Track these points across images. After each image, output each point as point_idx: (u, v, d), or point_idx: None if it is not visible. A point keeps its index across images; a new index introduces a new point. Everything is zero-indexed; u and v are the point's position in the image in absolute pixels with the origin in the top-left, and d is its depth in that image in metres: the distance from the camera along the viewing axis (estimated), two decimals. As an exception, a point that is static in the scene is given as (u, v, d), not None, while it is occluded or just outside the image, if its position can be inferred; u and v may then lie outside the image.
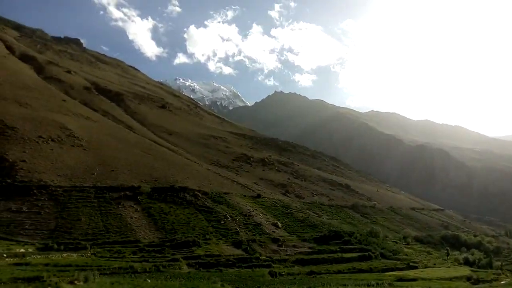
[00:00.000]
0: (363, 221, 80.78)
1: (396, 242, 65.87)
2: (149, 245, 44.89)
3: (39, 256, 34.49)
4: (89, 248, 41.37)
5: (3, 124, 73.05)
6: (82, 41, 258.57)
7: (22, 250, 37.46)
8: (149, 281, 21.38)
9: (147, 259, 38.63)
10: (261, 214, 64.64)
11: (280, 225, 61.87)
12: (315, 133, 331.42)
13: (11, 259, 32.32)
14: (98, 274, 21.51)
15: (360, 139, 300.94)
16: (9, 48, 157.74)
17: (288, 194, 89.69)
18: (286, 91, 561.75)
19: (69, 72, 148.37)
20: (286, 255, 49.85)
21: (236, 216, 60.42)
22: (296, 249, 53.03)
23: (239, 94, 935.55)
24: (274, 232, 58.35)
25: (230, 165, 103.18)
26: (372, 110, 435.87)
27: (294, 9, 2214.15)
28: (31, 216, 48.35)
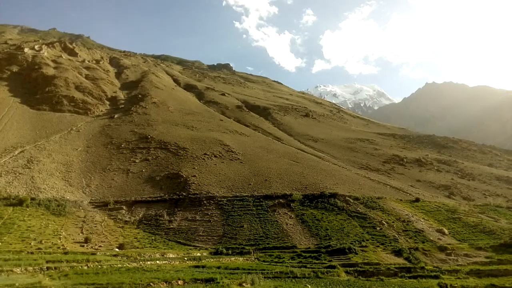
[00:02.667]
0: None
1: None
2: (306, 251, 45.89)
3: (212, 260, 39.06)
4: (252, 252, 44.83)
5: (176, 146, 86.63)
6: (231, 65, 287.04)
7: (198, 254, 43.20)
8: (309, 286, 21.83)
9: (305, 265, 39.51)
10: (422, 220, 59.01)
11: (446, 231, 55.18)
12: (481, 124, 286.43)
13: (191, 262, 37.50)
14: (263, 278, 23.07)
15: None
16: (176, 81, 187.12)
17: (453, 197, 79.58)
18: (439, 82, 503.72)
19: (223, 94, 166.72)
20: (457, 265, 43.99)
21: (393, 222, 56.69)
22: (469, 258, 46.27)
23: (384, 92, 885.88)
24: (439, 239, 52.36)
25: (381, 168, 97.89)
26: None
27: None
28: (203, 224, 55.51)
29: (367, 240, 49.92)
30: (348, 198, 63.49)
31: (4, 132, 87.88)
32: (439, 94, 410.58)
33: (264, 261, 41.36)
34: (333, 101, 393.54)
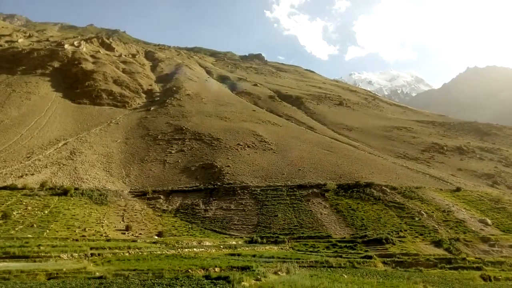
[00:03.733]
0: None
1: None
2: (341, 240, 45.47)
3: (247, 248, 39.56)
4: (287, 242, 44.99)
5: (210, 137, 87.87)
6: (263, 54, 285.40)
7: (233, 242, 43.89)
8: (345, 276, 21.60)
9: (341, 255, 39.16)
10: (463, 210, 56.68)
11: (489, 222, 52.71)
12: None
13: (226, 250, 38.18)
14: (298, 267, 23.12)
15: None
16: (208, 72, 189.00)
17: (497, 186, 75.81)
18: (481, 66, 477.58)
19: (255, 85, 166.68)
20: (501, 256, 42.07)
21: (432, 212, 54.84)
22: (515, 250, 44.06)
23: (422, 78, 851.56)
24: (482, 230, 50.12)
25: (419, 156, 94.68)
26: None
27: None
28: (238, 213, 56.22)
29: (405, 230, 48.66)
30: (385, 188, 62.01)
31: (48, 125, 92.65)
32: (481, 79, 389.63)
33: (298, 250, 41.39)
34: (368, 89, 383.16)
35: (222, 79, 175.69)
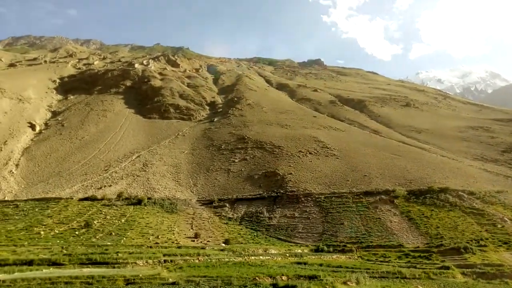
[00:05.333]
0: None
1: None
2: (414, 250, 42.88)
3: (313, 257, 38.93)
4: (354, 251, 43.50)
5: (272, 145, 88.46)
6: (322, 59, 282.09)
7: (299, 250, 43.45)
8: (420, 288, 20.33)
9: (414, 265, 36.89)
10: (557, 216, 50.50)
11: None
12: None
13: (292, 258, 37.89)
14: (368, 277, 22.23)
15: None
16: (268, 81, 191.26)
17: None
18: None
19: (315, 90, 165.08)
20: None
21: (518, 219, 49.62)
22: None
23: (498, 73, 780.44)
24: None
25: (499, 158, 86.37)
26: None
27: None
28: (302, 221, 55.68)
29: (486, 239, 44.51)
30: (462, 193, 57.48)
31: (122, 140, 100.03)
32: None
33: (368, 260, 39.78)
34: (438, 87, 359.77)
35: (282, 87, 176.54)
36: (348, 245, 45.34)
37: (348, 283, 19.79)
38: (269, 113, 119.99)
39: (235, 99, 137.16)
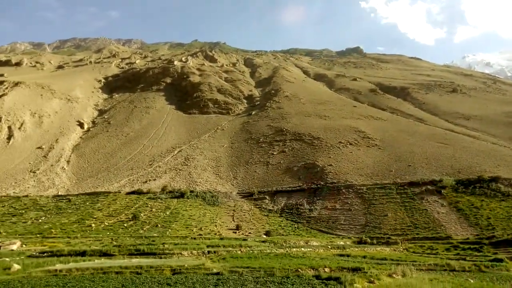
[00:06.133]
0: None
1: None
2: (463, 242, 40.94)
3: (356, 249, 38.23)
4: (399, 243, 42.24)
5: (311, 136, 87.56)
6: (361, 47, 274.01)
7: (341, 242, 42.87)
8: (471, 281, 19.30)
9: (464, 257, 35.21)
10: None
11: None
12: None
13: (334, 250, 37.44)
14: (414, 270, 21.49)
15: None
16: (305, 72, 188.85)
17: None
18: None
19: (354, 79, 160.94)
20: None
21: None
22: None
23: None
24: None
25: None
26: None
27: None
28: (344, 213, 54.83)
29: (545, 231, 41.61)
30: (515, 182, 54.01)
31: (165, 135, 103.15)
32: None
33: (414, 252, 38.48)
34: (486, 71, 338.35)
35: (320, 77, 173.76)
36: (393, 237, 44.14)
37: (394, 275, 19.22)
38: (307, 104, 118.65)
39: (273, 91, 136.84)
